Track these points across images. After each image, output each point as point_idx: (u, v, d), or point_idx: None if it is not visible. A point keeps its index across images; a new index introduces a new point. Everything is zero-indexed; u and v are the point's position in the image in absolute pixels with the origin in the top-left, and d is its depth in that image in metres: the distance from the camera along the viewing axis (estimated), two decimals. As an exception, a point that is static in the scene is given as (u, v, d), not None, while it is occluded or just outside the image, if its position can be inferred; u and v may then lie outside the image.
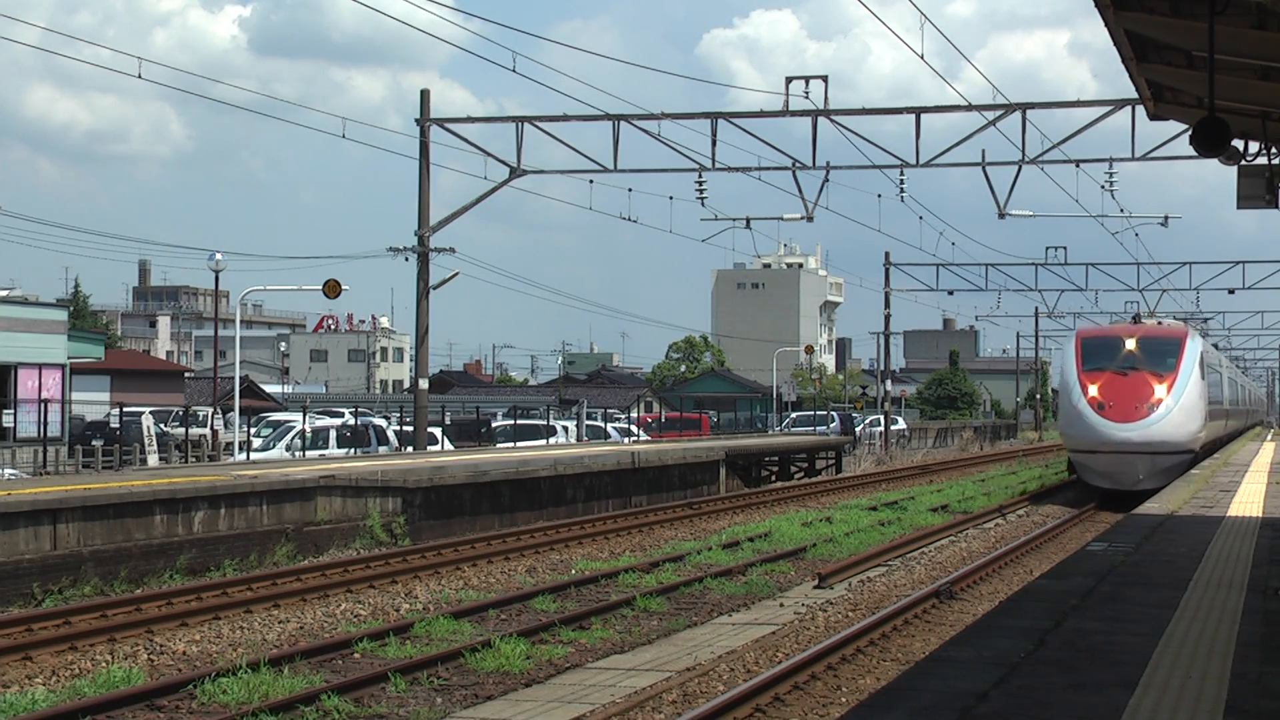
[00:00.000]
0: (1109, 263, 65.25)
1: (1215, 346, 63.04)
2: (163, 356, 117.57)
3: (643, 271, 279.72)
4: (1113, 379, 33.93)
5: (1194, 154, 14.92)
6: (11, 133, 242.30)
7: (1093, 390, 33.70)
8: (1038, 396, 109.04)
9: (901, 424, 79.72)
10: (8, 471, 32.92)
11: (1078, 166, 38.98)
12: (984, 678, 7.97)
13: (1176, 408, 33.30)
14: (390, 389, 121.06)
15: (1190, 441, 33.79)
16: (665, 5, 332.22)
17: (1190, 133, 13.75)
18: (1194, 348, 35.03)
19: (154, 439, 39.95)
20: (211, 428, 42.35)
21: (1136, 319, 37.99)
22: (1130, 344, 34.82)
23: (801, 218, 41.06)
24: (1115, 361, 34.51)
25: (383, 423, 45.99)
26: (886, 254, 68.00)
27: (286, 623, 16.98)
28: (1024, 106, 37.50)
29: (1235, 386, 56.37)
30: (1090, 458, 34.27)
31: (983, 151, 39.26)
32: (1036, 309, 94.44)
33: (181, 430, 42.48)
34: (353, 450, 39.97)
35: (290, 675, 13.45)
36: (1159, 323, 38.33)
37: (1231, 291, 63.53)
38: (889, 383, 72.59)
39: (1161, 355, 34.48)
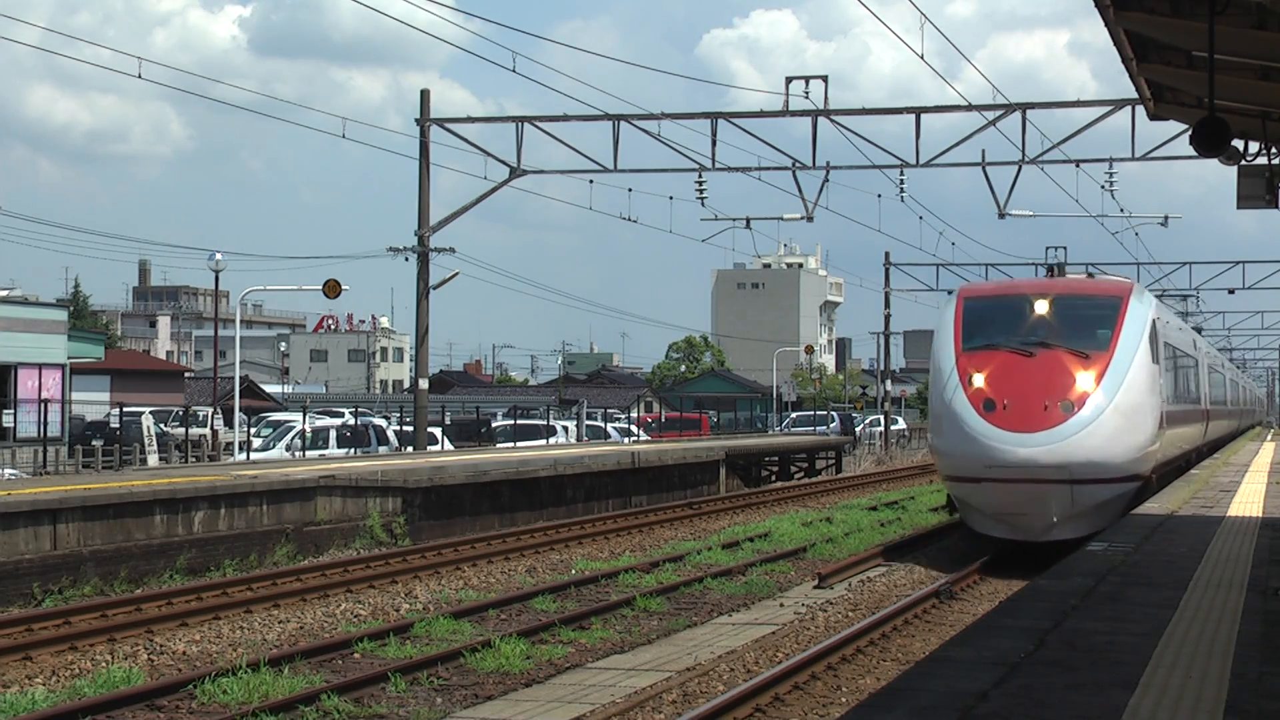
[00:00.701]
0: (1109, 262, 65.01)
1: (1199, 329, 54.74)
2: (163, 356, 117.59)
3: (643, 271, 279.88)
4: (1010, 363, 22.02)
5: (1194, 154, 14.92)
6: (12, 133, 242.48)
7: (978, 380, 21.76)
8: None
9: (901, 424, 79.73)
10: (8, 471, 32.91)
11: (1078, 166, 39.03)
12: (984, 678, 7.96)
13: (1111, 407, 21.41)
14: (390, 389, 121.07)
15: (1135, 460, 22.04)
16: (665, 5, 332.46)
17: (1190, 133, 13.75)
18: (1140, 313, 23.01)
19: (154, 439, 39.95)
20: (211, 428, 42.36)
21: (1055, 271, 25.38)
22: (1040, 307, 22.73)
23: (801, 218, 41.10)
24: (1015, 335, 22.60)
25: (383, 423, 46.01)
26: (886, 254, 68.01)
27: (286, 623, 16.98)
28: (1024, 106, 37.52)
29: (1218, 378, 42.97)
30: (974, 490, 22.12)
31: (983, 151, 39.32)
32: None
33: (181, 430, 42.48)
34: (353, 450, 39.96)
35: (290, 675, 13.45)
36: (1089, 275, 26.25)
37: (1231, 291, 63.51)
38: (889, 383, 72.60)
39: (1089, 325, 22.83)
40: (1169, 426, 24.51)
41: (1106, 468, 21.42)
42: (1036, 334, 22.53)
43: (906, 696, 7.67)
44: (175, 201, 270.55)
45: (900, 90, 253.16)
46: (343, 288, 41.24)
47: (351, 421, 44.06)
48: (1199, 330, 51.90)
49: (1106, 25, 13.68)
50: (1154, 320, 23.50)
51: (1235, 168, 18.54)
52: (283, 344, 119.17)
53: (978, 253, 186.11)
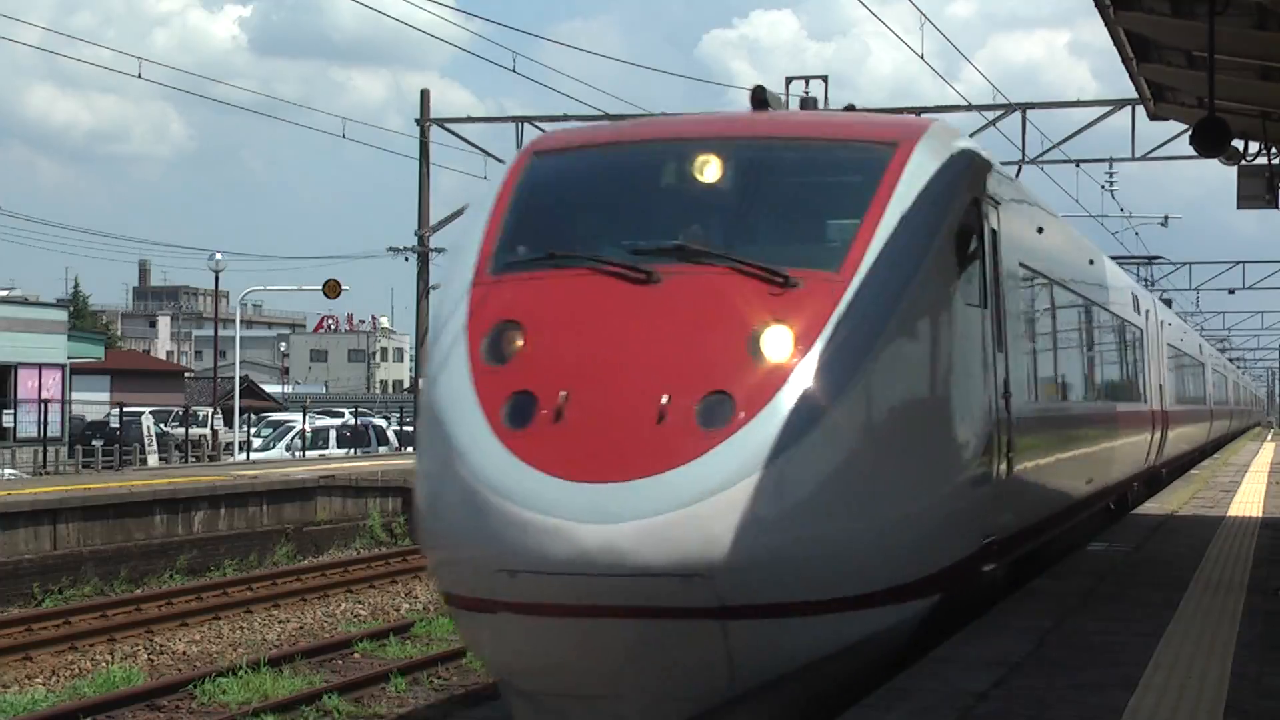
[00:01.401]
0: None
1: (1170, 302, 43.55)
2: (163, 356, 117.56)
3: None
4: (595, 302, 7.90)
5: (1194, 154, 14.91)
6: (12, 133, 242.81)
7: (508, 345, 7.76)
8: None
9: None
10: (8, 471, 32.93)
11: (1078, 166, 38.94)
12: (984, 678, 7.95)
13: (841, 407, 7.59)
14: (390, 389, 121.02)
15: (907, 547, 8.08)
16: (665, 6, 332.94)
17: (1190, 133, 13.75)
18: (937, 184, 8.71)
19: (154, 439, 39.98)
20: (211, 428, 42.39)
21: (762, 99, 10.41)
22: (704, 170, 8.77)
23: (801, 218, 40.97)
24: (623, 233, 8.67)
25: (383, 423, 46.03)
26: (886, 254, 67.82)
27: (286, 623, 16.98)
28: (1024, 106, 37.45)
29: (1188, 363, 32.04)
30: (489, 629, 7.53)
31: (982, 152, 39.19)
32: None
33: (181, 430, 42.50)
34: (353, 450, 39.97)
35: (290, 675, 13.46)
36: (824, 107, 12.34)
37: (1231, 291, 63.36)
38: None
39: (807, 209, 9.02)
40: (1033, 451, 10.90)
41: (823, 570, 7.71)
42: (675, 231, 8.66)
43: (906, 696, 7.66)
44: (175, 201, 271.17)
45: (900, 90, 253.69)
46: (343, 288, 41.30)
47: (351, 422, 44.07)
48: (1169, 302, 40.88)
49: (1106, 25, 13.68)
50: (975, 202, 9.63)
51: (1235, 168, 18.53)
52: (283, 344, 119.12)
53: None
